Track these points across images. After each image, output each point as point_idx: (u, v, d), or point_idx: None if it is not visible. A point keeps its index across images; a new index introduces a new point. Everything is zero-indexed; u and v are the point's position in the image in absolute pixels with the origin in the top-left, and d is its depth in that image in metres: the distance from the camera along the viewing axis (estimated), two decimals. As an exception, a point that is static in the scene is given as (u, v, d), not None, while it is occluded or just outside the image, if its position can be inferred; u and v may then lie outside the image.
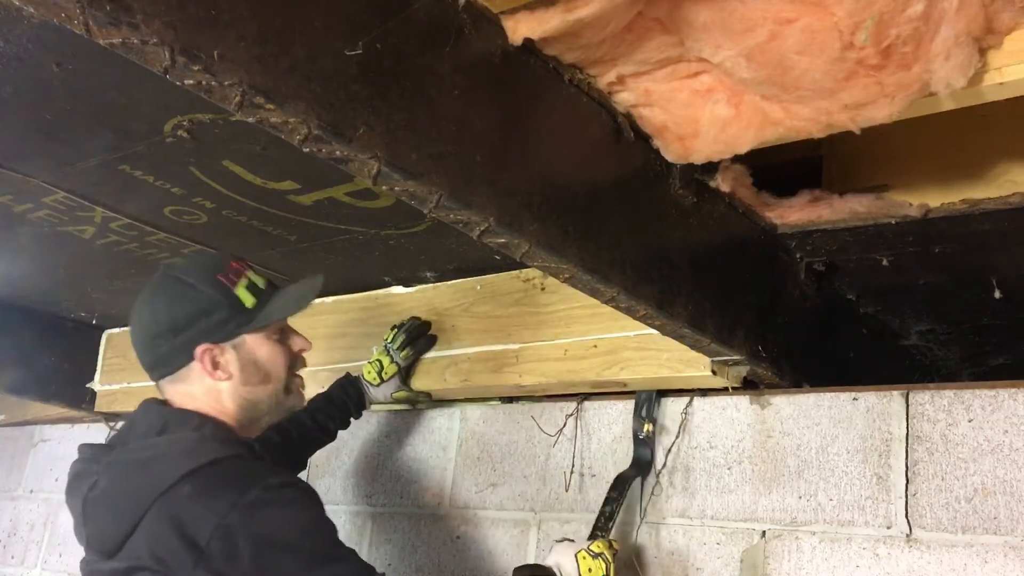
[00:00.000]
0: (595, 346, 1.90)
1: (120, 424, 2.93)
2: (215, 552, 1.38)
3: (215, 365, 1.57)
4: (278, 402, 1.65)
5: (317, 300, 2.38)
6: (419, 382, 2.20)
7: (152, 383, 1.65)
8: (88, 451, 1.61)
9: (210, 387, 1.58)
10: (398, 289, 2.29)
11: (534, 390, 2.05)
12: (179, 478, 1.43)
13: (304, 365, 1.71)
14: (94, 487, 1.52)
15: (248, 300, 1.60)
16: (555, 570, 1.65)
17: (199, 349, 1.56)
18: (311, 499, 1.51)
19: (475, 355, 2.10)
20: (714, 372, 1.74)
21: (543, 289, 2.02)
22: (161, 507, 1.42)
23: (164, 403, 1.62)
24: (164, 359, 1.59)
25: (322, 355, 2.35)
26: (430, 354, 2.19)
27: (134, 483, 1.48)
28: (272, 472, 1.50)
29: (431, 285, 2.23)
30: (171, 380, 1.60)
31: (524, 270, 2.06)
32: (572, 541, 1.72)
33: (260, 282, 1.63)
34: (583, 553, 1.66)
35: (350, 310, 2.36)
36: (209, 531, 1.38)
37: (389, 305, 2.29)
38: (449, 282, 2.20)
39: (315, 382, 2.32)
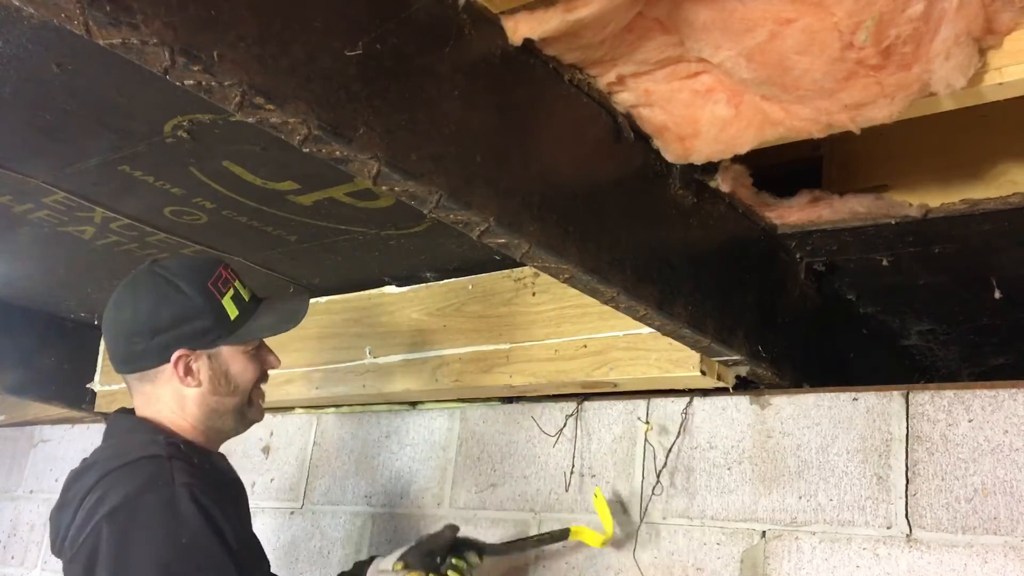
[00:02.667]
0: (585, 346, 1.90)
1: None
2: (82, 553, 1.41)
3: (187, 371, 1.57)
4: (241, 413, 1.65)
5: (311, 300, 2.38)
6: (409, 383, 2.18)
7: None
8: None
9: (176, 391, 1.58)
10: (391, 289, 2.28)
11: (525, 390, 2.05)
12: (92, 485, 1.46)
13: (267, 379, 1.71)
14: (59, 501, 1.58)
15: (232, 312, 1.59)
16: None
17: (175, 355, 1.56)
18: (191, 521, 1.43)
19: (466, 355, 2.09)
20: (703, 372, 1.73)
21: (534, 290, 2.02)
22: (81, 513, 1.47)
23: (120, 412, 1.66)
24: (138, 356, 1.58)
25: (315, 355, 2.35)
26: (420, 354, 2.17)
27: (69, 495, 1.52)
28: (172, 480, 1.45)
29: (424, 285, 2.22)
30: (139, 378, 1.60)
31: (515, 269, 2.05)
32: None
33: (245, 294, 1.64)
34: None
35: (344, 310, 2.36)
36: (87, 532, 1.42)
37: (382, 305, 2.29)
38: (441, 282, 2.19)
39: (309, 382, 2.32)
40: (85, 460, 1.59)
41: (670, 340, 1.66)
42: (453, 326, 2.14)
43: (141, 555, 1.39)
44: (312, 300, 2.37)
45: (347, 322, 2.34)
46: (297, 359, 2.38)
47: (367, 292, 2.33)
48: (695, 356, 1.72)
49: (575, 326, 1.92)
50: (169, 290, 1.56)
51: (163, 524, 1.40)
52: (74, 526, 1.47)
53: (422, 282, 2.23)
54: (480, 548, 1.81)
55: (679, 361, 1.75)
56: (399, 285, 2.27)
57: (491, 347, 2.04)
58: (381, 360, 2.24)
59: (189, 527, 1.41)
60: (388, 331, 2.25)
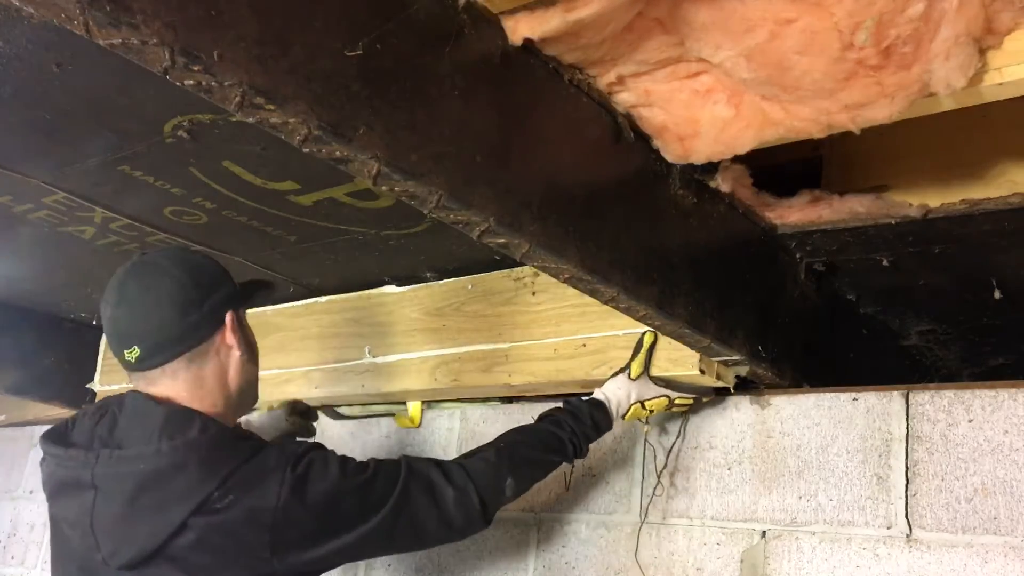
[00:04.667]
0: (584, 345, 1.89)
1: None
2: (283, 529, 1.42)
3: (235, 332, 1.53)
4: (256, 387, 1.64)
5: (311, 299, 2.40)
6: (408, 382, 2.18)
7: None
8: (66, 453, 1.51)
9: (221, 364, 1.53)
10: (391, 288, 2.28)
11: (524, 390, 2.04)
12: (214, 489, 1.40)
13: None
14: (99, 501, 1.45)
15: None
16: (610, 407, 1.71)
17: (230, 314, 1.52)
18: (326, 452, 1.55)
19: (465, 355, 2.08)
20: (702, 371, 1.72)
21: (534, 289, 2.01)
22: (201, 520, 1.40)
23: (153, 398, 1.50)
24: (195, 328, 1.50)
25: (316, 355, 2.35)
26: (420, 354, 2.16)
27: (156, 498, 1.42)
28: (286, 450, 1.50)
29: (423, 285, 2.22)
30: (189, 358, 1.50)
31: (515, 269, 2.05)
32: (643, 378, 1.75)
33: None
34: (638, 406, 1.72)
35: (344, 309, 2.36)
36: (270, 519, 1.41)
37: (382, 305, 2.28)
38: (441, 281, 2.19)
39: (308, 382, 2.32)
40: (127, 455, 1.45)
41: (670, 339, 1.66)
42: (453, 325, 2.13)
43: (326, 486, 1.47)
44: (311, 300, 2.39)
45: (347, 322, 2.33)
46: (297, 359, 2.38)
47: (367, 292, 2.32)
48: (695, 356, 1.72)
49: (574, 325, 1.92)
50: (193, 258, 1.55)
51: (334, 467, 1.49)
52: (188, 538, 1.40)
53: (422, 282, 2.23)
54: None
55: (679, 361, 1.75)
56: (399, 285, 2.27)
57: (490, 346, 2.04)
58: (380, 360, 2.24)
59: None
60: (387, 331, 2.25)
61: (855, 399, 1.72)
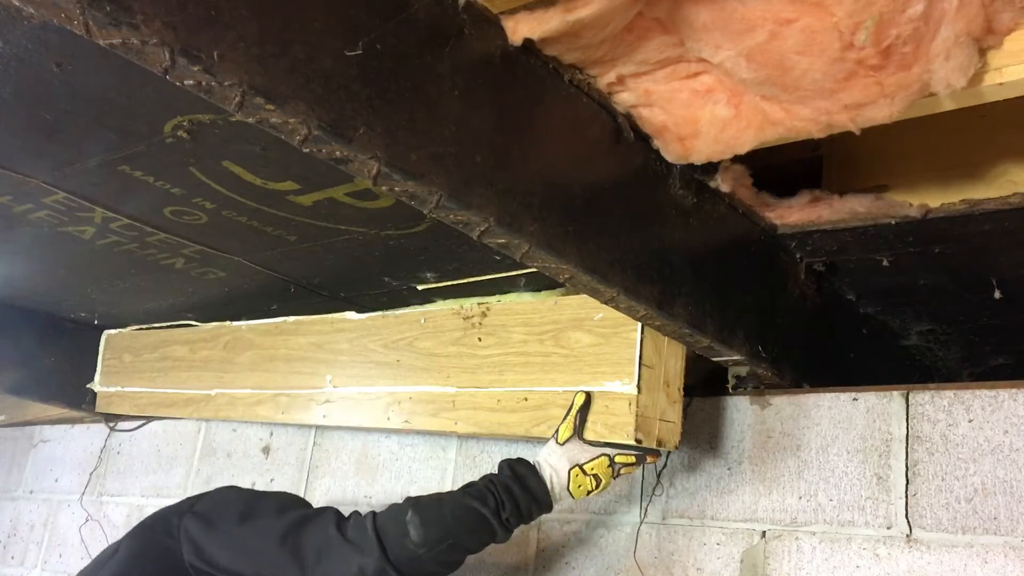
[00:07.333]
0: (526, 399, 1.84)
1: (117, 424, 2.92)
2: (200, 510, 1.70)
3: None
4: None
5: (279, 319, 2.43)
6: (364, 419, 2.16)
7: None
8: None
9: None
10: (351, 315, 2.28)
11: (470, 437, 2.02)
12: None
13: None
14: None
15: None
16: (543, 472, 1.66)
17: None
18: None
19: (416, 395, 2.06)
20: (639, 440, 1.61)
21: (480, 333, 1.97)
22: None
23: None
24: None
25: (282, 378, 2.36)
26: (375, 388, 2.15)
27: None
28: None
29: (380, 314, 2.22)
30: None
31: (465, 304, 2.04)
32: (573, 441, 1.66)
33: None
34: (577, 471, 1.65)
35: (309, 332, 2.36)
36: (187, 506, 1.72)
37: (343, 331, 2.27)
38: (397, 312, 2.19)
39: (276, 406, 2.33)
40: None
41: (607, 403, 1.64)
42: (406, 362, 2.11)
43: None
44: (280, 319, 2.42)
45: (311, 346, 2.33)
46: (266, 380, 2.37)
47: (329, 316, 2.32)
48: (630, 423, 1.60)
49: (517, 375, 1.87)
50: None
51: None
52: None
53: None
54: None
55: (615, 427, 1.64)
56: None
57: (439, 389, 2.01)
58: (340, 391, 2.22)
59: None
60: (347, 360, 2.24)
61: (855, 399, 1.72)
